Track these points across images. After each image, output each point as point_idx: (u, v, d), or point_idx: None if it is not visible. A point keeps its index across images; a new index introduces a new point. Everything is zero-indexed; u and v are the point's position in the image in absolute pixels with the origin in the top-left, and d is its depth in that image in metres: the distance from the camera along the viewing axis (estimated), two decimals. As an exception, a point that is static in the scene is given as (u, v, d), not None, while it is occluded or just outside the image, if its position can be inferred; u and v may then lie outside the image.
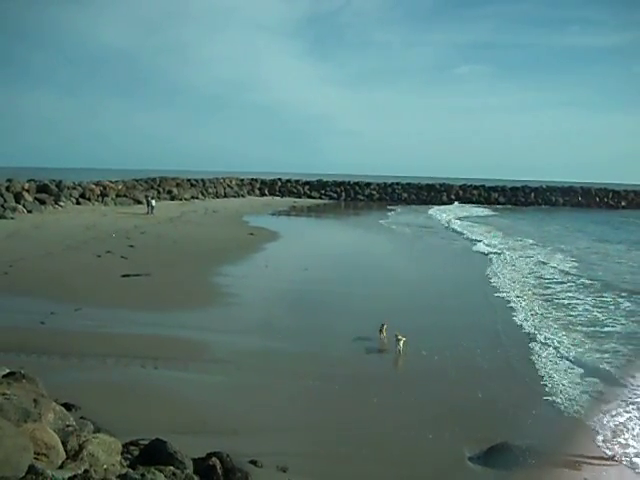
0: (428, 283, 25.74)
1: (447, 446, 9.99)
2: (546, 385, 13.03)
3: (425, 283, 25.69)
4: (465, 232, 46.93)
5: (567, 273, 27.86)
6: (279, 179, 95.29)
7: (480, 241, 40.63)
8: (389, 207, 78.62)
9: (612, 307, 21.00)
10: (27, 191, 46.87)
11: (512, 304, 20.66)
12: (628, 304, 21.44)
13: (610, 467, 9.44)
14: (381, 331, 15.98)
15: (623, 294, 23.11)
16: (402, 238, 42.92)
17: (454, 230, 49.13)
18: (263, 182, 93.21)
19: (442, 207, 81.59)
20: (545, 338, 16.54)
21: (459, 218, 62.15)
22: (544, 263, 30.94)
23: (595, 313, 19.88)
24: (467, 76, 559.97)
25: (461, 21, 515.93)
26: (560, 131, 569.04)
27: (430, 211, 72.35)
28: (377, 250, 36.88)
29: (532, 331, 17.24)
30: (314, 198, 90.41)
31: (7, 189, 45.54)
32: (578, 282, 25.46)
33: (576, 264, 30.75)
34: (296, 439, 10.01)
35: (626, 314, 19.89)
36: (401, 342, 15.05)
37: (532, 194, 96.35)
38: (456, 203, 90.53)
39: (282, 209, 67.77)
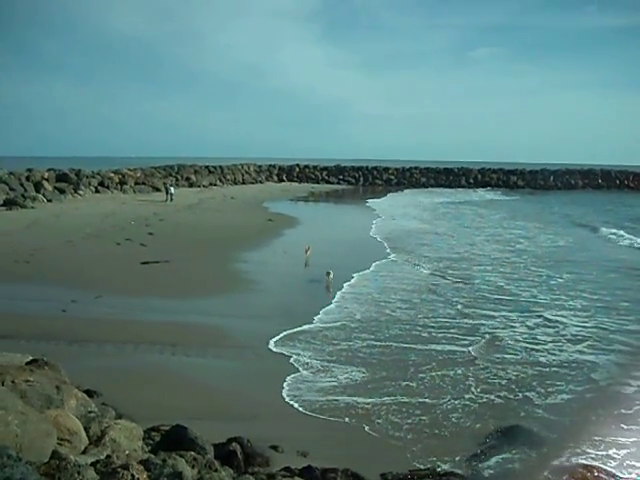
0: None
1: (468, 425, 9.99)
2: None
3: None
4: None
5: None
6: (297, 165, 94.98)
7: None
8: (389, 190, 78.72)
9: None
10: (47, 180, 47.23)
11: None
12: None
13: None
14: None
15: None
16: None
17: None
18: (281, 168, 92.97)
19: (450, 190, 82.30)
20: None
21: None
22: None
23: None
24: (483, 58, 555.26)
25: (477, 3, 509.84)
26: (578, 113, 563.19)
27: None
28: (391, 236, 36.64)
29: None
30: (332, 184, 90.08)
31: (27, 179, 45.96)
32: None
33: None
34: (316, 424, 10.05)
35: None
36: (330, 275, 20.40)
37: (551, 177, 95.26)
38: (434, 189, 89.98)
39: (300, 195, 67.62)
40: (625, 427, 9.99)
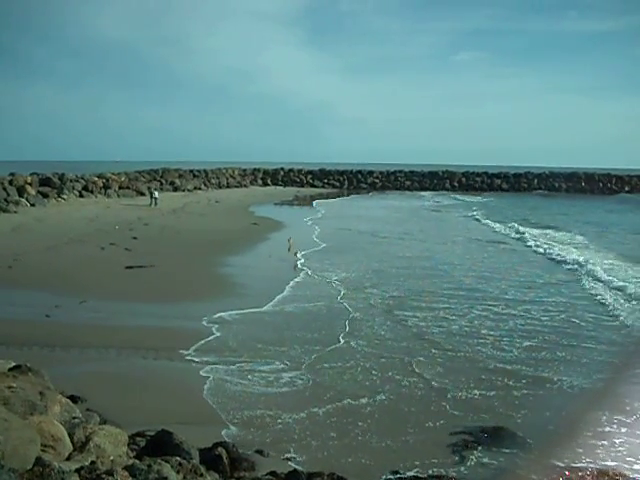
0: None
1: (451, 430, 10.01)
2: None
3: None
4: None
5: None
6: (282, 169, 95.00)
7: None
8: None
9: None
10: (30, 184, 46.77)
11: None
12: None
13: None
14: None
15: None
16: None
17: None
18: (266, 172, 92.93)
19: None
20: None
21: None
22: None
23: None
24: (467, 63, 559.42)
25: (459, 8, 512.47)
26: (561, 116, 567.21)
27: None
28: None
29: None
30: (317, 187, 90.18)
31: (10, 183, 45.48)
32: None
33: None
34: (302, 428, 10.03)
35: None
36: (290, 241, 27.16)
37: (535, 180, 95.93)
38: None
39: (285, 199, 67.56)
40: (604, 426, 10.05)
